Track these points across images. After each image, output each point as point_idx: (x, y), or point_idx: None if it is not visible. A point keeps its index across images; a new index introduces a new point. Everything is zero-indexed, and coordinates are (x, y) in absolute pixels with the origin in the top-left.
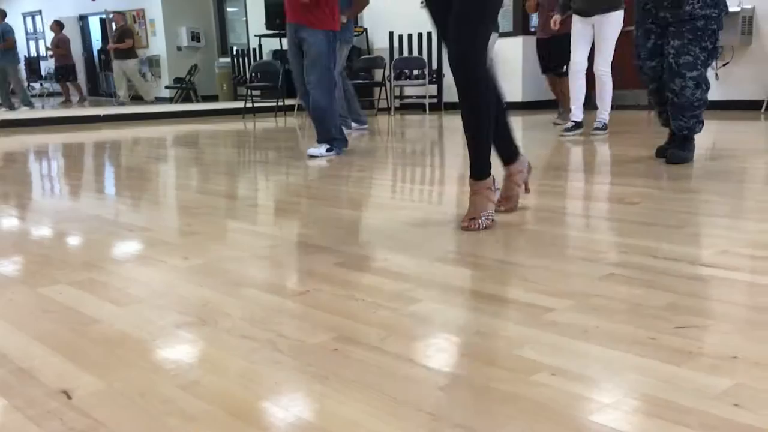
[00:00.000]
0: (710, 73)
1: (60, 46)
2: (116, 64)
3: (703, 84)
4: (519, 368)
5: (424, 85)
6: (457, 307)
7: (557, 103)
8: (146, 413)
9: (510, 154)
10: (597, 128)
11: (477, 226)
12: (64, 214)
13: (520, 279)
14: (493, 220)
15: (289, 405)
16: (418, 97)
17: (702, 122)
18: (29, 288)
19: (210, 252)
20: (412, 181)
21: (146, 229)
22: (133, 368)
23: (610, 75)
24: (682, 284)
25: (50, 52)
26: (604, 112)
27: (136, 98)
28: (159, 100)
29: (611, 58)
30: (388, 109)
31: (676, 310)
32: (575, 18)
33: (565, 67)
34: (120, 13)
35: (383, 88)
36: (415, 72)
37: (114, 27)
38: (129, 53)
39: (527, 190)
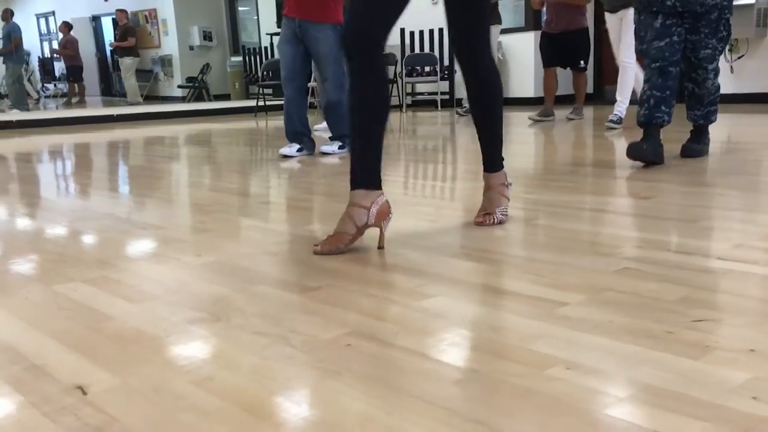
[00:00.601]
0: (725, 67)
1: (68, 47)
2: (120, 62)
3: (719, 72)
4: (533, 363)
5: (435, 81)
6: (470, 302)
7: (543, 100)
8: (160, 409)
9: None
10: (612, 121)
11: (491, 221)
12: (77, 212)
13: (533, 274)
14: (506, 215)
15: (302, 400)
16: (429, 93)
17: (716, 111)
18: (44, 286)
19: (223, 249)
20: (425, 178)
21: (159, 227)
22: (146, 364)
23: (633, 66)
24: (696, 278)
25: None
26: (621, 105)
27: (150, 98)
28: (172, 99)
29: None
30: (399, 106)
31: (690, 304)
32: (606, 15)
33: (582, 62)
34: (123, 11)
35: (395, 85)
36: (427, 69)
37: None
38: (130, 51)
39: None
